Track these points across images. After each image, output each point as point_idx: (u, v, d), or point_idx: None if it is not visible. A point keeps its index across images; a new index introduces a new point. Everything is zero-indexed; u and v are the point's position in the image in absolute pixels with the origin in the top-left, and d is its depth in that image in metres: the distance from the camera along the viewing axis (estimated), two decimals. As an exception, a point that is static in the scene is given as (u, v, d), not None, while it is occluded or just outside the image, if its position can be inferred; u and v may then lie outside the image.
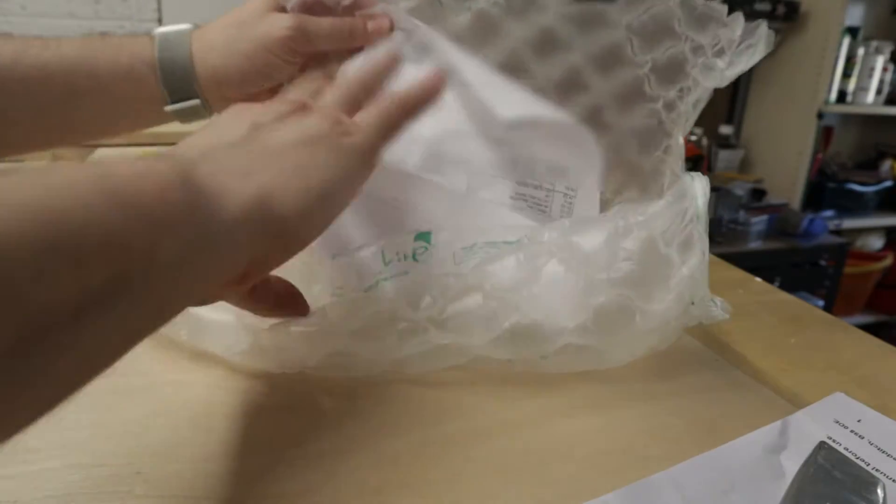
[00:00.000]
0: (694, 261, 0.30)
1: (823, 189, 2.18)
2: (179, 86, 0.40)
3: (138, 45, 0.41)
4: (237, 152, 0.25)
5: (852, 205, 2.21)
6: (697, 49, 0.32)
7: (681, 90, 0.34)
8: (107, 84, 0.39)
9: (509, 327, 0.30)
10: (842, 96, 2.09)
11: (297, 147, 0.26)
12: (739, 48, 0.31)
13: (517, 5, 0.37)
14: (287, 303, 0.30)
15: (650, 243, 0.30)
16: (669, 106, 0.35)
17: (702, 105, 0.33)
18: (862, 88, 2.11)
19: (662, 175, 0.37)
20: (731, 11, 0.32)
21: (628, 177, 0.40)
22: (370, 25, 0.38)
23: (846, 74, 2.07)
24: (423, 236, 0.33)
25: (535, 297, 0.30)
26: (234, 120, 0.28)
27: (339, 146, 0.27)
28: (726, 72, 0.32)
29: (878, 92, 2.13)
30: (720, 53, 0.31)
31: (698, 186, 0.30)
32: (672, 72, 0.33)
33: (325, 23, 0.38)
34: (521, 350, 0.31)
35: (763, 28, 0.31)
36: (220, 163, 0.23)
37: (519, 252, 0.30)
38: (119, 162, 0.19)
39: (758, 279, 0.51)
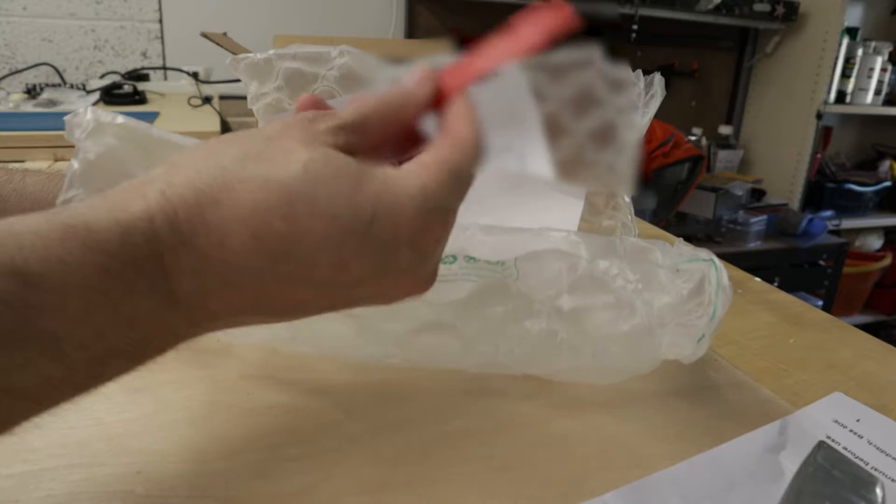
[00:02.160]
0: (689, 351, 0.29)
1: (822, 189, 2.19)
2: None
3: None
4: (264, 287, 0.21)
5: (851, 205, 2.21)
6: (619, 110, 0.36)
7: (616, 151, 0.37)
8: None
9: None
10: (841, 96, 2.09)
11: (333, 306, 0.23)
12: (645, 98, 0.36)
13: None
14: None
15: (647, 332, 0.29)
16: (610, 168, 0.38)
17: (634, 158, 0.36)
18: (861, 89, 2.11)
19: (613, 231, 0.40)
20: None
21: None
22: None
23: (845, 75, 2.07)
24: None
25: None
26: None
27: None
28: (643, 122, 0.36)
29: (877, 92, 2.13)
30: (634, 109, 0.36)
31: (721, 276, 0.28)
32: (606, 136, 0.36)
33: None
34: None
35: (658, 78, 0.37)
36: (226, 286, 0.20)
37: (508, 304, 0.29)
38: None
39: (757, 279, 0.51)
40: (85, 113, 0.29)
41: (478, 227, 0.31)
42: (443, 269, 0.30)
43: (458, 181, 0.24)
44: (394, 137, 0.25)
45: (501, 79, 0.31)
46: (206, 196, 0.19)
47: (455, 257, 0.30)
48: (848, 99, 2.10)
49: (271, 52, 0.40)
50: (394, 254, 0.22)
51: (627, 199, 0.40)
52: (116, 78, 1.42)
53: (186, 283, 0.19)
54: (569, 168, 0.38)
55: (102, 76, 1.48)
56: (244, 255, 0.20)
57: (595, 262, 0.30)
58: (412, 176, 0.22)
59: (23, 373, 0.17)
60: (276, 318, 0.23)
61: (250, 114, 0.44)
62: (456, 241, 0.30)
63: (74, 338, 0.17)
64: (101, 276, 0.18)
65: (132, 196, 0.19)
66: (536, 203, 0.37)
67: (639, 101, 0.36)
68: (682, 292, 0.28)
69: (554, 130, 0.38)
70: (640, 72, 0.36)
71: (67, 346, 0.17)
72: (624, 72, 0.37)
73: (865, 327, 0.52)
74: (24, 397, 0.17)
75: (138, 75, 1.46)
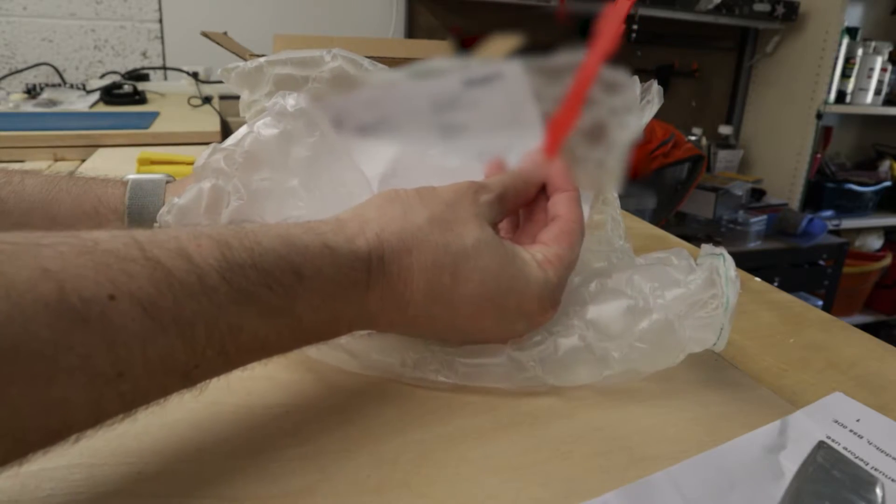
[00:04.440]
0: (709, 340, 0.31)
1: (822, 189, 2.19)
2: None
3: (106, 190, 0.40)
4: (417, 318, 0.28)
5: (851, 205, 2.21)
6: (612, 111, 0.38)
7: (607, 149, 0.38)
8: (64, 227, 0.38)
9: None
10: (841, 96, 2.09)
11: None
12: (641, 104, 0.38)
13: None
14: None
15: (666, 326, 0.30)
16: (599, 164, 0.39)
17: (624, 157, 0.38)
18: (861, 89, 2.11)
19: (603, 226, 0.41)
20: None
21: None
22: None
23: (845, 75, 2.07)
24: None
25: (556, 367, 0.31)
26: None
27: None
28: (637, 125, 0.38)
29: (877, 92, 2.13)
30: (628, 111, 0.37)
31: (728, 269, 0.31)
32: (597, 133, 0.38)
33: None
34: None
35: (655, 85, 0.38)
36: (395, 310, 0.28)
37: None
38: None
39: (757, 279, 0.51)
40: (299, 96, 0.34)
41: None
42: None
43: (569, 271, 0.31)
44: (517, 208, 0.34)
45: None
46: (405, 245, 0.27)
47: None
48: (848, 99, 2.11)
49: (262, 59, 0.39)
50: (513, 320, 0.30)
51: (615, 195, 0.41)
52: (116, 78, 1.42)
53: (374, 302, 0.27)
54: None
55: (102, 76, 1.48)
56: (417, 293, 0.28)
57: (611, 275, 0.33)
58: (540, 269, 0.30)
59: (269, 336, 0.24)
60: (410, 335, 0.31)
61: (250, 114, 0.44)
62: None
63: (308, 320, 0.25)
64: (335, 286, 0.26)
65: (357, 232, 0.27)
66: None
67: (633, 105, 0.37)
68: (690, 286, 0.31)
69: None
70: (636, 77, 0.36)
71: (304, 325, 0.25)
72: (619, 74, 0.37)
73: (865, 327, 0.52)
74: (267, 353, 0.25)
75: (138, 75, 1.46)
